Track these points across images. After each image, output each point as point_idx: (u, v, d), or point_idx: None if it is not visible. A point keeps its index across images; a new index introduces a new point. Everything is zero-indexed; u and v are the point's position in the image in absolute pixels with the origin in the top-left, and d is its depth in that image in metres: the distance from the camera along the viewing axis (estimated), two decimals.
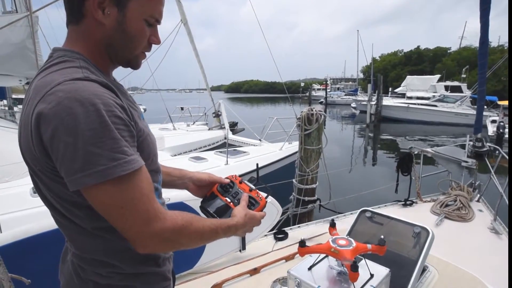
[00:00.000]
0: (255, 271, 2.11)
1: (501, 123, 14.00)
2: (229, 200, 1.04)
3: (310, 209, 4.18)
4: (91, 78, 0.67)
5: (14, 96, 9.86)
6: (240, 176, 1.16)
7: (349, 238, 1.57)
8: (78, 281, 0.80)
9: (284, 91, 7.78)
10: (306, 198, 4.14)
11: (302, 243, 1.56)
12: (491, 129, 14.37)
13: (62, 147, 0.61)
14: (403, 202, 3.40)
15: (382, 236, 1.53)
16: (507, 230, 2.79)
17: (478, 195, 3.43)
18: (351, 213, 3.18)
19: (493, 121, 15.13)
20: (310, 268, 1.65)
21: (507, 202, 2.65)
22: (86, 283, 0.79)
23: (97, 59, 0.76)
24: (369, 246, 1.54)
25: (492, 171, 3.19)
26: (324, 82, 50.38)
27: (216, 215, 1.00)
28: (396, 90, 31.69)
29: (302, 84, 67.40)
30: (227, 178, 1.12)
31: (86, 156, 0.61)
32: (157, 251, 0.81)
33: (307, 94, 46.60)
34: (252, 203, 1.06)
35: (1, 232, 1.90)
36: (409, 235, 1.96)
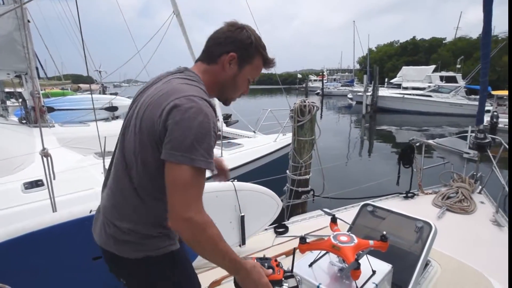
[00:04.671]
0: None
1: (495, 113, 14.04)
2: None
3: (304, 200, 4.16)
4: (210, 103, 0.95)
5: (6, 90, 9.65)
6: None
7: (351, 234, 1.53)
8: (106, 236, 1.06)
9: (280, 83, 7.67)
10: (300, 189, 4.13)
11: (302, 240, 1.51)
12: (485, 119, 14.36)
13: (180, 131, 0.87)
14: (404, 195, 3.36)
15: (384, 232, 1.49)
16: (509, 222, 2.77)
17: (480, 187, 3.40)
18: (352, 206, 3.14)
19: (487, 111, 15.17)
20: (311, 265, 1.61)
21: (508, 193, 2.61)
22: (108, 239, 1.05)
23: (209, 88, 1.07)
24: (371, 242, 1.50)
25: (494, 162, 3.15)
26: (320, 73, 50.22)
27: None
28: (392, 81, 31.63)
29: (299, 76, 67.03)
30: (269, 260, 1.17)
31: (190, 145, 0.86)
32: (181, 232, 0.90)
33: (304, 85, 46.43)
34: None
35: None
36: (412, 230, 1.92)
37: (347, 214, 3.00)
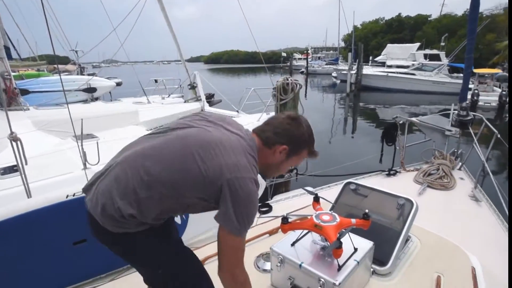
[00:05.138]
0: None
1: (476, 91, 14.34)
2: None
3: (288, 179, 4.16)
4: (257, 185, 1.11)
5: None
6: None
7: (333, 213, 1.53)
8: (95, 203, 1.11)
9: (265, 62, 7.53)
10: None
11: (284, 220, 1.50)
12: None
13: (240, 209, 1.06)
14: (387, 172, 3.40)
15: (366, 210, 1.49)
16: (487, 197, 2.85)
17: (460, 164, 3.47)
18: (336, 184, 3.16)
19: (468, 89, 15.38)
20: (293, 244, 1.61)
21: (492, 178, 2.65)
22: (97, 207, 1.10)
23: (258, 164, 1.19)
24: (353, 220, 1.51)
25: (475, 139, 3.21)
26: (305, 51, 49.70)
27: None
28: (376, 59, 31.62)
29: (284, 54, 66.18)
30: None
31: (244, 221, 1.07)
32: (225, 282, 1.16)
33: (288, 64, 45.97)
34: None
35: None
36: (394, 207, 1.94)
37: (330, 192, 3.01)
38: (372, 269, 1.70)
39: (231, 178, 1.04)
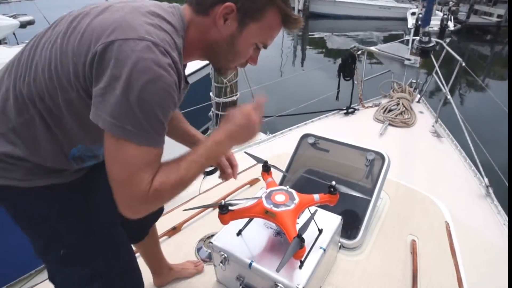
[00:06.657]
0: (174, 230, 1.61)
1: (420, 15, 14.37)
2: None
3: None
4: (168, 57, 0.65)
5: None
6: None
7: (289, 190, 1.14)
8: None
9: None
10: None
11: (223, 209, 1.08)
12: (411, 22, 14.80)
13: (120, 92, 0.60)
14: (345, 111, 3.08)
15: (333, 183, 1.12)
16: (448, 132, 2.68)
17: (419, 96, 3.26)
18: (290, 130, 2.79)
19: (413, 13, 15.55)
20: (239, 233, 1.22)
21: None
22: None
23: (193, 47, 0.77)
24: (316, 197, 1.15)
25: (436, 66, 2.94)
26: None
27: None
28: None
29: None
30: None
31: (132, 115, 0.61)
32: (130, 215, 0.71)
33: None
34: None
35: None
36: (362, 163, 1.61)
37: (284, 140, 2.64)
38: (339, 244, 1.39)
39: (108, 42, 0.60)
